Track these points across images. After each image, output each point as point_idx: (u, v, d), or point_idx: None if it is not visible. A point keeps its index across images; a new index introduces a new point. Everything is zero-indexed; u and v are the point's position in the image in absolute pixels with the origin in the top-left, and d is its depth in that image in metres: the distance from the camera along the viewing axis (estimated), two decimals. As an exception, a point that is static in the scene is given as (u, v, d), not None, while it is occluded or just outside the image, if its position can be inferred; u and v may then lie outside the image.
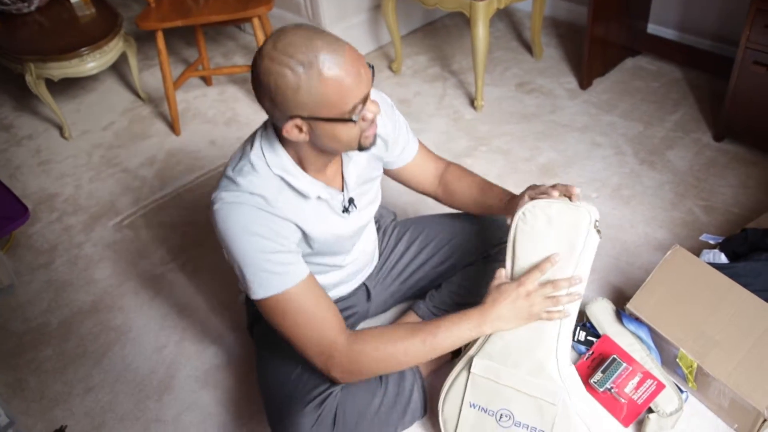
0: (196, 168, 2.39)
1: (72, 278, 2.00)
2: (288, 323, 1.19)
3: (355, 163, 1.31)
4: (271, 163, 1.18)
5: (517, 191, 1.40)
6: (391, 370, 1.25)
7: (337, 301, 1.52)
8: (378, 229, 1.65)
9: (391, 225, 1.67)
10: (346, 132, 1.12)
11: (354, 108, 1.08)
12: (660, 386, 1.41)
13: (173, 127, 2.58)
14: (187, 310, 1.85)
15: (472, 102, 2.56)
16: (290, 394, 1.31)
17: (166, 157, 2.47)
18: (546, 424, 1.28)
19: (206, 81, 2.88)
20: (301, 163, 1.21)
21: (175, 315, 1.84)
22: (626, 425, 1.42)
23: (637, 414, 1.41)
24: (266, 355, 1.43)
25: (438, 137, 2.39)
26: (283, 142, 1.19)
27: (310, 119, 1.08)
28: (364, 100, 1.10)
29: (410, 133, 1.45)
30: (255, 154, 1.19)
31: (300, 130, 1.11)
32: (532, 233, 1.25)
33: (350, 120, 1.09)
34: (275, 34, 1.06)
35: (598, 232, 1.24)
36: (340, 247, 1.36)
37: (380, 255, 1.61)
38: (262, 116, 2.61)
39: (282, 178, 1.19)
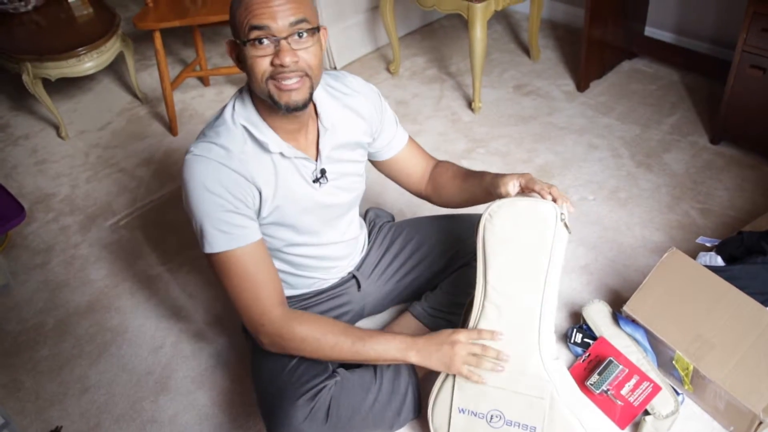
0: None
1: (68, 278, 2.00)
2: (229, 283, 1.24)
3: (333, 135, 1.32)
4: (237, 113, 1.23)
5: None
6: (313, 356, 1.28)
7: (328, 294, 1.53)
8: (373, 228, 1.65)
9: (387, 225, 1.68)
10: (251, 63, 1.14)
11: (249, 31, 1.11)
12: (656, 388, 1.41)
13: (171, 127, 2.58)
14: (184, 312, 1.85)
15: (469, 104, 2.56)
16: (283, 387, 1.31)
17: (164, 158, 2.47)
18: (537, 420, 1.28)
19: (204, 81, 2.88)
20: (269, 120, 1.23)
21: (172, 316, 1.84)
22: (622, 427, 1.42)
23: (633, 416, 1.41)
24: (260, 354, 1.42)
25: (435, 139, 2.40)
26: (253, 95, 1.23)
27: (234, 41, 1.17)
28: (269, 32, 1.11)
29: (399, 127, 1.48)
30: (228, 106, 1.25)
31: (231, 51, 1.19)
32: (501, 233, 1.25)
33: (243, 42, 1.13)
34: None
35: (566, 226, 1.24)
36: (307, 221, 1.35)
37: (375, 254, 1.61)
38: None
39: (245, 129, 1.22)
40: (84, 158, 2.52)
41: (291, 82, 1.14)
